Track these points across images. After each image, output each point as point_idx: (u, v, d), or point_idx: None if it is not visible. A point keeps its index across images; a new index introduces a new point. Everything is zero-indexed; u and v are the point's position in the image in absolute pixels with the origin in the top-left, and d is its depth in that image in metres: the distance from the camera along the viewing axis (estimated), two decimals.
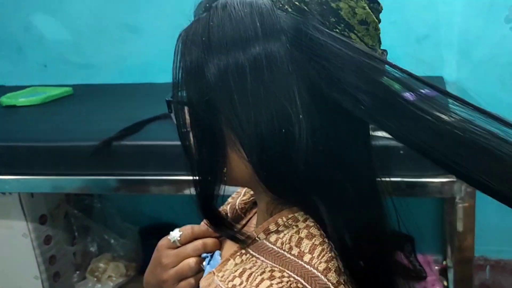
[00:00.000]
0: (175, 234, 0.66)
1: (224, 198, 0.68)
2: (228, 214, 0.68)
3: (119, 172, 1.21)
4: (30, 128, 1.39)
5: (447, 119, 0.46)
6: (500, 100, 1.53)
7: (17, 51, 1.89)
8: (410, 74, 0.48)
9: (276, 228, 0.54)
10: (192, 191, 1.14)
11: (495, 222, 1.60)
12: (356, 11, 0.50)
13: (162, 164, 1.18)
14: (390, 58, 0.53)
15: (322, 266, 0.49)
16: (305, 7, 0.49)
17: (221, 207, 0.71)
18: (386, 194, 0.56)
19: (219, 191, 0.56)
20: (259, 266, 0.51)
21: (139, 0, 1.76)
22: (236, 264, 0.54)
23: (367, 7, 0.51)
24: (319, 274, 0.48)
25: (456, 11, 1.54)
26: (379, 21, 0.53)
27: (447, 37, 1.56)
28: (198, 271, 0.64)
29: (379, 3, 0.53)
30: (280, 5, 0.49)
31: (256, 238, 0.54)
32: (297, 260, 0.50)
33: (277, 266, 0.50)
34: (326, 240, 0.51)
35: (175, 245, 0.66)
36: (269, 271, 0.49)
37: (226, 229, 0.59)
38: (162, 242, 0.68)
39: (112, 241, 1.72)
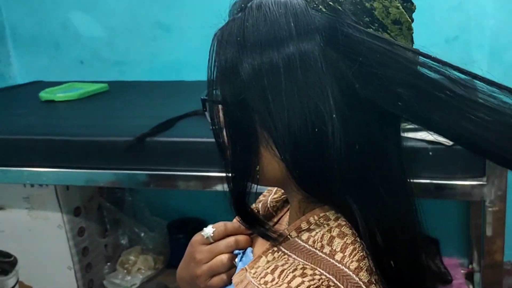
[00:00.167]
0: (209, 230, 0.67)
1: (256, 195, 0.69)
2: (260, 212, 0.69)
3: (150, 167, 1.24)
4: (67, 122, 1.43)
5: (495, 107, 0.46)
6: None
7: (55, 47, 1.95)
8: (451, 65, 0.48)
9: (308, 227, 0.54)
10: (220, 187, 1.17)
11: None
12: (390, 11, 0.51)
13: (192, 160, 1.20)
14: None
15: (354, 265, 0.50)
16: (339, 7, 0.50)
17: (253, 205, 0.72)
18: (415, 195, 0.57)
19: (251, 189, 0.57)
20: (291, 264, 0.51)
21: None
22: (268, 261, 0.55)
23: (400, 7, 0.51)
24: (350, 273, 0.49)
25: (488, 13, 1.52)
26: (412, 20, 0.53)
27: (477, 39, 1.54)
28: (230, 268, 0.65)
29: (412, 3, 0.54)
30: (314, 5, 0.50)
31: (288, 236, 0.55)
32: (329, 259, 0.50)
33: (309, 264, 0.51)
34: (358, 239, 0.52)
35: (208, 241, 0.67)
36: (301, 268, 0.50)
37: (259, 226, 0.59)
38: (196, 237, 0.69)
39: (142, 234, 1.76)
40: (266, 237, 0.58)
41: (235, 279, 0.57)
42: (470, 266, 1.61)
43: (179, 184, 1.23)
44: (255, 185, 0.57)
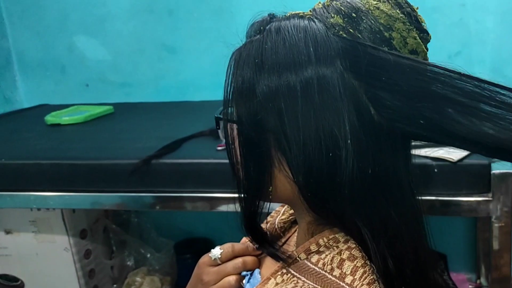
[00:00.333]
0: (216, 251, 0.67)
1: (264, 215, 0.69)
2: (267, 233, 0.69)
3: (156, 189, 1.24)
4: (72, 146, 1.44)
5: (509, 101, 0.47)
6: None
7: (60, 71, 1.97)
8: (480, 80, 0.49)
9: (317, 249, 0.54)
10: (227, 208, 1.17)
11: None
12: (408, 41, 0.52)
13: (198, 181, 1.20)
14: None
15: None
16: (359, 35, 0.51)
17: (261, 225, 0.72)
18: (423, 213, 0.57)
19: (263, 209, 0.57)
20: (300, 287, 0.52)
21: (176, 21, 1.81)
22: (277, 284, 0.55)
23: (417, 37, 0.53)
24: None
25: (489, 29, 1.53)
26: (427, 50, 0.55)
27: (479, 54, 1.55)
28: None
29: (428, 33, 0.55)
30: (335, 31, 0.51)
31: (297, 258, 0.55)
32: (339, 282, 0.50)
33: (319, 287, 0.51)
34: (368, 263, 0.52)
35: (216, 263, 0.67)
36: None
37: (268, 246, 0.60)
38: (203, 259, 0.69)
39: (148, 255, 1.75)
40: (276, 257, 0.58)
41: None
42: (478, 281, 1.60)
43: (186, 205, 1.23)
44: (267, 205, 0.57)
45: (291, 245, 0.64)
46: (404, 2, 0.53)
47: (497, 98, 0.48)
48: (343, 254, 0.52)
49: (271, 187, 0.54)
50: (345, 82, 0.50)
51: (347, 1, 0.52)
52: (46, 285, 1.53)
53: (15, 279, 1.55)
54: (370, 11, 0.52)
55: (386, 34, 0.51)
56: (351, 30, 0.51)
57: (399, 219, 0.52)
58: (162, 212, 1.82)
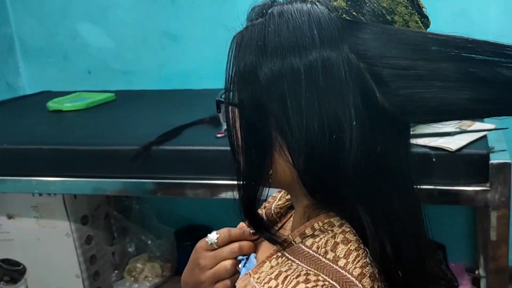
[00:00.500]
0: (213, 236, 0.67)
1: (261, 201, 0.70)
2: (264, 218, 0.70)
3: (157, 176, 1.25)
4: (74, 132, 1.45)
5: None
6: None
7: (63, 58, 1.98)
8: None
9: (312, 232, 0.55)
10: (227, 195, 1.18)
11: None
12: (409, 25, 0.52)
13: (198, 168, 1.22)
14: None
15: (357, 271, 0.50)
16: (362, 18, 0.51)
17: (258, 210, 0.72)
18: (421, 202, 0.57)
19: (262, 194, 0.57)
20: (294, 269, 0.52)
21: (178, 9, 1.81)
22: (272, 267, 0.55)
23: (419, 21, 0.53)
24: (353, 279, 0.49)
25: (491, 18, 1.53)
26: None
27: None
28: (234, 273, 0.66)
29: (428, 18, 0.55)
30: (338, 14, 0.51)
31: (292, 242, 0.56)
32: (332, 265, 0.51)
33: (312, 269, 0.51)
34: (362, 246, 0.52)
35: (212, 247, 0.67)
36: (304, 274, 0.50)
37: (266, 231, 0.60)
38: (200, 244, 0.69)
39: (149, 242, 1.77)
40: (273, 242, 0.58)
41: (239, 284, 0.57)
42: (476, 272, 1.61)
43: (187, 192, 1.24)
44: (265, 191, 0.57)
45: (286, 229, 0.64)
46: None
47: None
48: (337, 237, 0.53)
49: (271, 171, 0.54)
50: (351, 64, 0.49)
51: None
52: (47, 270, 1.54)
53: (17, 263, 1.57)
54: None
55: (388, 17, 0.51)
56: (354, 13, 0.51)
57: (400, 204, 0.53)
58: (163, 199, 1.83)
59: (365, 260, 0.51)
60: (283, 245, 0.56)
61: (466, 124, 1.16)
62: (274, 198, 0.73)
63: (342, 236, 0.53)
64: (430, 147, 1.06)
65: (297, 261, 0.53)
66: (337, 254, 0.51)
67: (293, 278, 0.50)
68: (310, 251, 0.53)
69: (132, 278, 1.70)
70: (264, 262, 0.57)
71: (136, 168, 1.25)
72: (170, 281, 1.74)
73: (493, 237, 1.05)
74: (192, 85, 1.83)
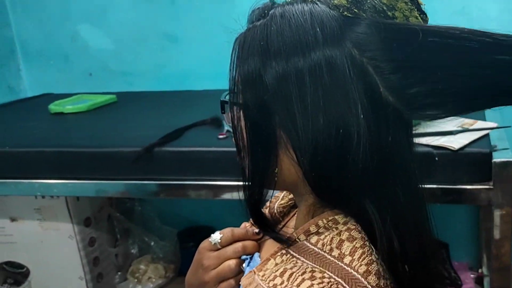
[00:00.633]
0: (216, 236, 0.67)
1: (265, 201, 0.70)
2: (269, 217, 0.70)
3: (159, 177, 1.25)
4: (76, 134, 1.45)
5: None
6: None
7: (64, 60, 1.98)
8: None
9: (316, 230, 0.55)
10: (230, 196, 1.18)
11: None
12: (410, 20, 0.53)
13: (201, 169, 1.21)
14: None
15: (363, 268, 0.50)
16: (364, 14, 0.51)
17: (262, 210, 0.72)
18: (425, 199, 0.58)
19: (267, 193, 0.58)
20: (299, 267, 0.52)
21: (178, 10, 1.81)
22: (276, 264, 0.55)
23: (419, 17, 0.53)
24: (359, 276, 0.49)
25: (492, 17, 1.53)
26: None
27: None
28: (238, 273, 0.66)
29: (426, 15, 0.56)
30: (339, 12, 0.51)
31: (297, 239, 0.56)
32: (338, 262, 0.51)
33: (318, 267, 0.51)
34: (367, 243, 0.52)
35: (216, 247, 0.68)
36: (310, 271, 0.50)
37: (270, 230, 0.60)
38: (204, 244, 0.69)
39: (152, 243, 1.77)
40: (278, 240, 0.58)
41: (243, 281, 0.57)
42: (480, 270, 1.61)
43: (189, 193, 1.24)
44: (269, 191, 0.58)
45: (289, 228, 0.65)
46: None
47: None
48: (343, 235, 0.53)
49: (276, 170, 0.55)
50: (354, 60, 0.50)
51: None
52: (51, 272, 1.54)
53: (21, 266, 1.57)
54: None
55: (389, 13, 0.52)
56: (355, 10, 0.51)
57: (405, 200, 0.53)
58: (165, 201, 1.83)
59: (370, 258, 0.51)
60: (288, 243, 0.56)
61: (468, 122, 1.16)
62: (276, 198, 0.73)
63: (348, 233, 0.53)
64: (433, 146, 1.05)
65: (302, 258, 0.54)
66: (343, 252, 0.51)
67: (299, 275, 0.50)
68: (315, 249, 0.54)
69: (136, 280, 1.70)
70: (268, 259, 0.57)
71: (138, 169, 1.25)
72: (174, 282, 1.74)
73: (497, 235, 1.05)
74: (192, 86, 1.83)
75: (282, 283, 0.51)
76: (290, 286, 0.50)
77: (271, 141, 0.53)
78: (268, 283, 0.52)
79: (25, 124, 1.57)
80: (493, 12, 1.52)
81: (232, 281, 0.66)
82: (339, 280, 0.49)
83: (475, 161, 1.04)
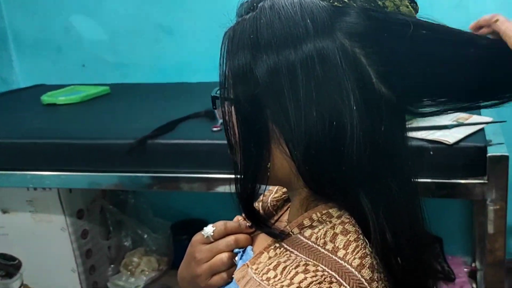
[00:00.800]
0: (209, 229, 0.67)
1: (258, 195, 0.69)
2: (260, 211, 0.70)
3: (153, 169, 1.24)
4: (69, 125, 1.44)
5: None
6: None
7: (57, 51, 1.96)
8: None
9: (310, 223, 0.54)
10: (223, 189, 1.18)
11: None
12: (400, 9, 0.53)
13: (194, 162, 1.21)
14: None
15: (356, 262, 0.50)
16: (354, 4, 0.51)
17: (254, 204, 0.72)
18: (419, 192, 0.57)
19: (259, 188, 0.57)
20: (293, 260, 0.52)
21: (173, 2, 1.80)
22: (270, 258, 0.55)
23: (409, 6, 0.53)
24: (353, 269, 0.49)
25: (489, 11, 1.52)
26: None
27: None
28: (231, 266, 0.65)
29: (416, 4, 0.55)
30: (329, 2, 0.51)
31: (290, 233, 0.55)
32: (331, 255, 0.51)
33: (311, 260, 0.51)
34: (361, 237, 0.52)
35: (208, 240, 0.67)
36: (303, 264, 0.50)
37: (263, 224, 0.60)
38: (196, 237, 0.69)
39: (145, 236, 1.76)
40: (271, 234, 0.58)
41: (236, 275, 0.57)
42: (473, 265, 1.61)
43: (182, 186, 1.23)
44: (263, 185, 0.57)
45: (283, 222, 0.64)
46: None
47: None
48: (336, 228, 0.53)
49: (269, 164, 0.54)
50: (346, 51, 0.50)
51: None
52: (43, 265, 1.54)
53: (12, 258, 1.56)
54: None
55: (380, 2, 0.51)
56: (346, 0, 0.51)
57: (399, 192, 0.53)
58: (158, 193, 1.83)
59: (364, 251, 0.51)
60: (281, 237, 0.56)
61: (463, 117, 1.16)
62: (270, 191, 0.73)
63: (341, 227, 0.53)
64: (428, 140, 1.05)
65: (295, 252, 0.53)
66: (336, 245, 0.51)
67: (292, 269, 0.50)
68: (309, 242, 0.53)
69: (129, 272, 1.69)
70: (262, 253, 0.56)
71: (132, 162, 1.24)
72: (167, 275, 1.74)
73: (490, 230, 1.05)
74: (187, 79, 1.82)
75: (275, 276, 0.51)
76: (283, 279, 0.49)
77: (263, 135, 0.53)
78: (262, 276, 0.52)
79: (17, 115, 1.56)
80: (489, 7, 1.51)
81: (224, 274, 0.66)
82: (333, 273, 0.49)
83: (470, 155, 1.04)
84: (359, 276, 0.49)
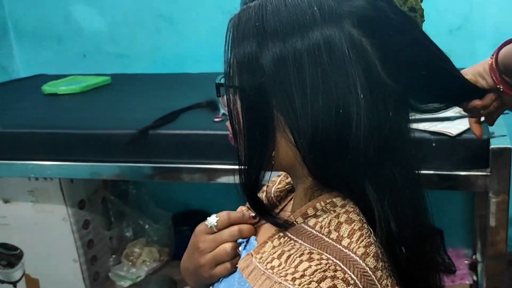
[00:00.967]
0: (212, 219, 0.66)
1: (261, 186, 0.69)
2: (264, 202, 0.69)
3: (154, 160, 1.24)
4: (70, 115, 1.43)
5: None
6: None
7: (57, 41, 1.95)
8: None
9: (314, 213, 0.54)
10: (225, 179, 1.17)
11: None
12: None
13: (196, 152, 1.21)
14: None
15: (361, 250, 0.50)
16: None
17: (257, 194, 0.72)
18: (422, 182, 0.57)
19: (263, 177, 0.57)
20: (297, 249, 0.52)
21: None
22: (274, 247, 0.55)
23: None
24: (357, 258, 0.49)
25: (491, 2, 1.51)
26: (423, 9, 0.56)
27: (480, 29, 1.53)
28: (234, 256, 0.65)
29: None
30: None
31: (294, 222, 0.55)
32: (336, 244, 0.51)
33: (316, 249, 0.51)
34: (365, 226, 0.52)
35: (212, 230, 0.67)
36: (308, 253, 0.50)
37: (267, 214, 0.60)
38: (200, 227, 0.68)
39: (147, 226, 1.77)
40: (275, 224, 0.58)
41: (240, 264, 0.57)
42: (473, 257, 1.62)
43: (184, 176, 1.23)
44: (266, 175, 0.57)
45: (287, 212, 0.64)
46: None
47: None
48: (341, 217, 0.53)
49: (274, 153, 0.54)
50: (353, 39, 0.50)
51: None
52: (44, 255, 1.54)
53: (14, 248, 1.56)
54: None
55: None
56: None
57: (402, 182, 0.53)
58: (160, 184, 1.82)
59: (369, 240, 0.51)
60: (285, 226, 0.56)
61: None
62: (273, 182, 0.73)
63: (346, 216, 0.53)
64: (430, 132, 1.05)
65: (300, 241, 0.53)
66: (341, 234, 0.51)
67: (296, 257, 0.50)
68: (313, 231, 0.53)
69: (130, 263, 1.70)
70: (266, 242, 0.56)
71: (133, 152, 1.24)
72: (168, 266, 1.74)
73: (492, 222, 1.05)
74: (188, 69, 1.81)
75: (279, 265, 0.51)
76: (287, 267, 0.49)
77: (268, 123, 0.52)
78: (266, 265, 0.52)
79: (18, 105, 1.55)
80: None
81: (228, 264, 0.65)
82: (337, 262, 0.49)
83: (473, 147, 1.03)
84: (364, 264, 0.49)
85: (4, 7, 1.97)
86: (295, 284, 0.47)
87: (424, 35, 0.54)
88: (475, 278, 1.51)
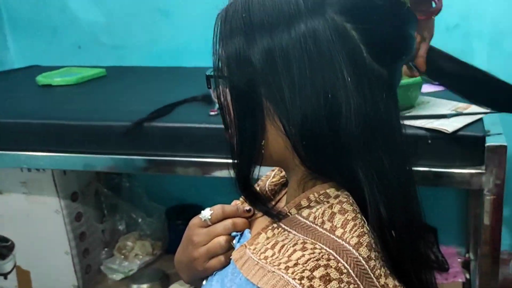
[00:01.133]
0: (206, 213, 0.67)
1: (254, 180, 0.69)
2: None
3: (148, 153, 1.23)
4: (64, 107, 1.42)
5: None
6: None
7: (52, 32, 1.93)
8: None
9: (307, 204, 0.55)
10: (219, 173, 1.17)
11: None
12: None
13: (190, 146, 1.20)
14: None
15: (354, 240, 0.50)
16: None
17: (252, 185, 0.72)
18: (415, 181, 0.57)
19: (256, 167, 0.57)
20: (291, 239, 0.52)
21: None
22: (268, 238, 0.55)
23: None
24: (350, 248, 0.50)
25: (488, 1, 1.51)
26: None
27: (478, 27, 1.53)
28: (228, 249, 0.65)
29: None
30: None
31: (288, 213, 0.56)
32: (329, 234, 0.51)
33: (309, 239, 0.51)
34: (359, 216, 0.52)
35: (206, 224, 0.67)
36: (301, 243, 0.50)
37: (262, 205, 0.60)
38: (194, 221, 0.69)
39: (140, 220, 1.76)
40: (269, 215, 0.58)
41: (234, 255, 0.57)
42: (467, 255, 1.62)
43: (178, 169, 1.23)
44: (259, 168, 0.58)
45: (281, 205, 0.64)
46: None
47: None
48: (334, 207, 0.53)
49: (263, 142, 0.55)
50: (336, 26, 0.51)
51: None
52: (36, 247, 1.53)
53: (5, 239, 1.55)
54: None
55: None
56: None
57: (391, 168, 0.53)
58: (153, 177, 1.82)
59: (362, 230, 0.51)
60: (279, 217, 0.56)
61: (462, 106, 1.15)
62: (267, 176, 0.73)
63: (339, 206, 0.53)
64: (426, 129, 1.05)
65: (293, 232, 0.54)
66: (334, 224, 0.52)
67: (290, 247, 0.50)
68: (307, 222, 0.54)
69: (122, 256, 1.69)
70: (259, 233, 0.57)
71: (127, 144, 1.23)
72: (161, 260, 1.74)
73: (486, 221, 1.05)
74: (184, 63, 1.80)
75: (273, 255, 0.51)
76: (281, 257, 0.50)
77: (257, 113, 0.53)
78: (259, 255, 0.53)
79: (12, 96, 1.54)
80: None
81: (222, 258, 0.65)
82: (331, 251, 0.49)
83: (468, 145, 1.03)
84: (357, 254, 0.50)
85: None
86: (288, 273, 0.48)
87: (409, 13, 0.55)
88: (468, 276, 1.51)
